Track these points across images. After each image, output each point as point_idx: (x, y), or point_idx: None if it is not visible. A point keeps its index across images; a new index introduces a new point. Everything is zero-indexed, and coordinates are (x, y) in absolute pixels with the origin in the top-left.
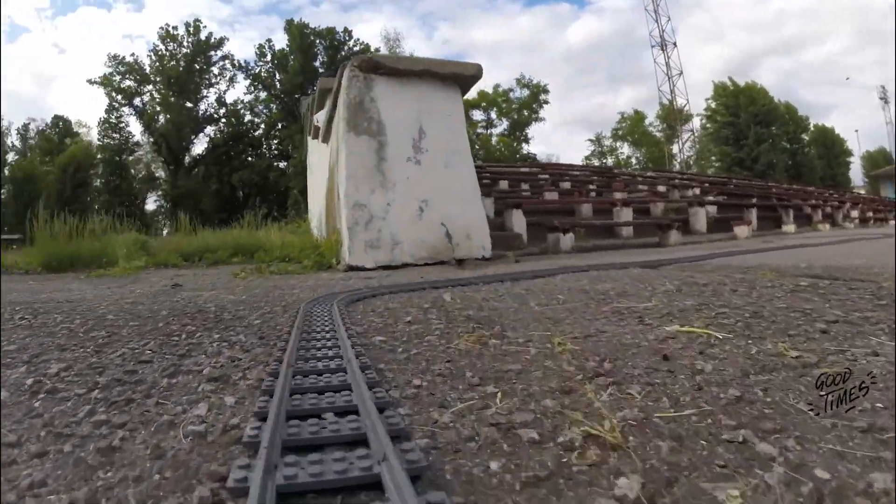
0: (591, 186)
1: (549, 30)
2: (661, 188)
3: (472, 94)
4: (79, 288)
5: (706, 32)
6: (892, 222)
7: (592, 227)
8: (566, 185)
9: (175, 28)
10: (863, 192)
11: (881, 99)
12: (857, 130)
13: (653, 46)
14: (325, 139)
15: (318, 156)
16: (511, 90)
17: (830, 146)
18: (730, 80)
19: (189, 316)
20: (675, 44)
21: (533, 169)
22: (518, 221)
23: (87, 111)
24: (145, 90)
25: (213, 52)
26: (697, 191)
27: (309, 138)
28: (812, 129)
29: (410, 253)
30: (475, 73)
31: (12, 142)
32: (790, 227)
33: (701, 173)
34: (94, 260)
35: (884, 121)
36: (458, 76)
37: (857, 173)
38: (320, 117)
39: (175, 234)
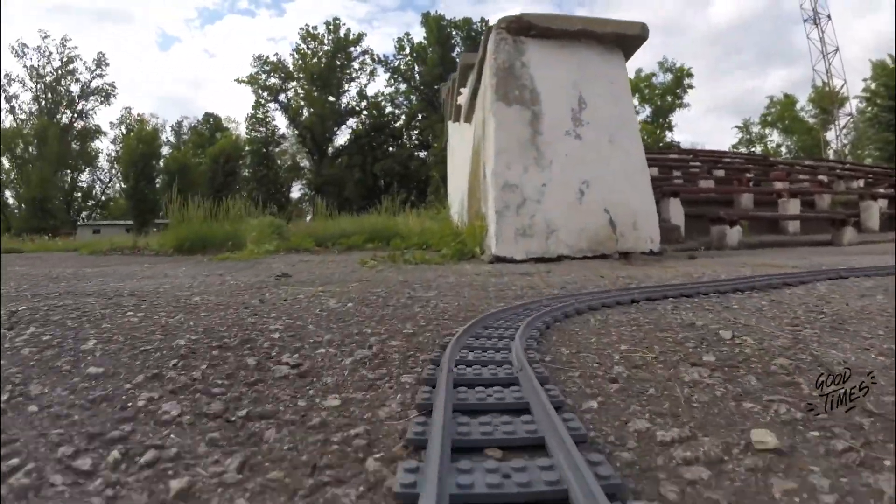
0: (748, 175)
1: (690, 9)
2: (822, 178)
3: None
4: (177, 274)
5: (859, 3)
6: None
7: (754, 221)
8: (719, 173)
9: (315, 28)
10: None
11: None
12: None
13: (805, 20)
14: (468, 118)
15: (458, 138)
16: (654, 75)
17: None
18: (890, 56)
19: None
20: (829, 16)
21: (683, 156)
22: (676, 212)
23: (236, 109)
24: (289, 86)
25: (352, 48)
26: (861, 182)
27: (449, 123)
28: None
29: (568, 243)
30: (640, 34)
31: (167, 137)
32: None
33: (860, 163)
34: (224, 243)
35: None
36: (621, 37)
37: None
38: (462, 97)
39: (315, 220)
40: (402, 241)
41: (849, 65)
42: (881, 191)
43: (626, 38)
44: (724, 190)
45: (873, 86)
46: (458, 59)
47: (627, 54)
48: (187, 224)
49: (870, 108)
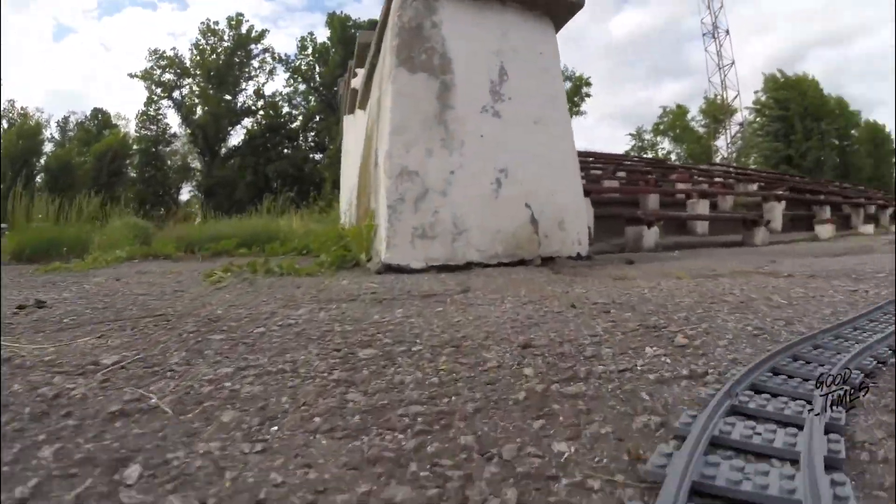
0: (652, 177)
1: (592, 23)
2: (720, 181)
3: None
4: None
5: (753, 24)
6: None
7: (664, 222)
8: (622, 175)
9: (216, 23)
10: None
11: None
12: None
13: (704, 34)
14: (363, 103)
15: (353, 133)
16: None
17: (880, 143)
18: (779, 72)
19: None
20: (727, 31)
21: (584, 158)
22: (587, 212)
23: (128, 105)
24: (185, 83)
25: (253, 46)
26: (754, 186)
27: (345, 118)
28: (862, 125)
29: (479, 246)
30: (575, 1)
31: (52, 134)
32: (867, 228)
33: (748, 168)
34: (75, 248)
35: None
36: (552, 4)
37: None
38: (357, 78)
39: (203, 224)
40: (280, 245)
41: (742, 78)
42: (784, 193)
43: (558, 6)
44: (629, 190)
45: (764, 98)
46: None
47: (558, 24)
48: (32, 227)
49: (759, 119)
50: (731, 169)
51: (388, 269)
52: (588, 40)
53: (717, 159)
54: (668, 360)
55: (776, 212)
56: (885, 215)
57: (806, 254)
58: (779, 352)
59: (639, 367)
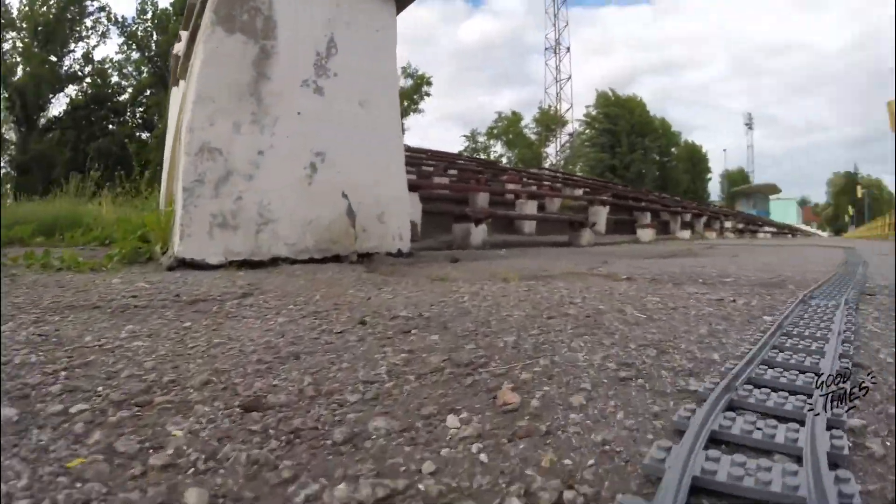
0: (483, 176)
1: (443, 25)
2: (547, 185)
3: None
4: None
5: (594, 45)
6: (759, 235)
7: (492, 221)
8: (453, 173)
9: None
10: (721, 206)
11: (746, 125)
12: (725, 150)
13: (546, 49)
14: (184, 72)
15: (175, 107)
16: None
17: (696, 162)
18: (611, 90)
19: None
20: (568, 48)
21: (418, 154)
22: (414, 208)
23: None
24: (8, 37)
25: (89, 2)
26: (580, 191)
27: (173, 91)
28: (682, 144)
29: (288, 240)
30: None
31: None
32: (684, 234)
33: (575, 174)
34: None
35: (745, 144)
36: None
37: (714, 188)
38: (180, 42)
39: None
40: (83, 234)
41: (577, 93)
42: (608, 198)
43: None
44: (460, 188)
45: (594, 112)
46: None
47: (401, 5)
48: None
49: (588, 131)
50: (559, 174)
51: (182, 264)
52: (437, 42)
53: (546, 165)
54: (484, 455)
55: (601, 215)
56: (699, 223)
57: (634, 255)
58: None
59: (419, 485)
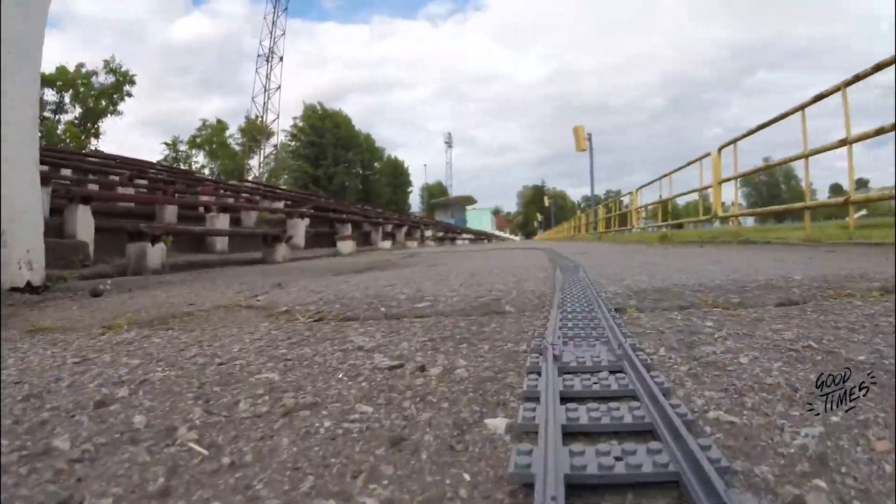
0: (174, 187)
1: (156, 19)
2: (245, 197)
3: (50, 68)
4: None
5: (309, 58)
6: (458, 242)
7: (180, 238)
8: (143, 183)
9: None
10: (422, 216)
11: (446, 143)
12: (425, 165)
13: (259, 56)
14: None
15: None
16: (94, 73)
17: (398, 175)
18: (319, 104)
19: None
20: (281, 58)
21: (106, 161)
22: (85, 224)
23: None
24: None
25: None
26: (281, 204)
27: None
28: (385, 159)
29: None
30: None
31: None
32: (385, 244)
33: (277, 186)
34: None
35: (444, 161)
36: None
37: (415, 200)
38: None
39: None
40: None
41: (287, 104)
42: (309, 210)
43: None
44: (147, 199)
45: (301, 124)
46: None
47: None
48: None
49: (293, 143)
50: (260, 186)
51: None
52: (147, 37)
53: (250, 177)
54: None
55: (299, 228)
56: (401, 233)
57: (323, 272)
58: None
59: None
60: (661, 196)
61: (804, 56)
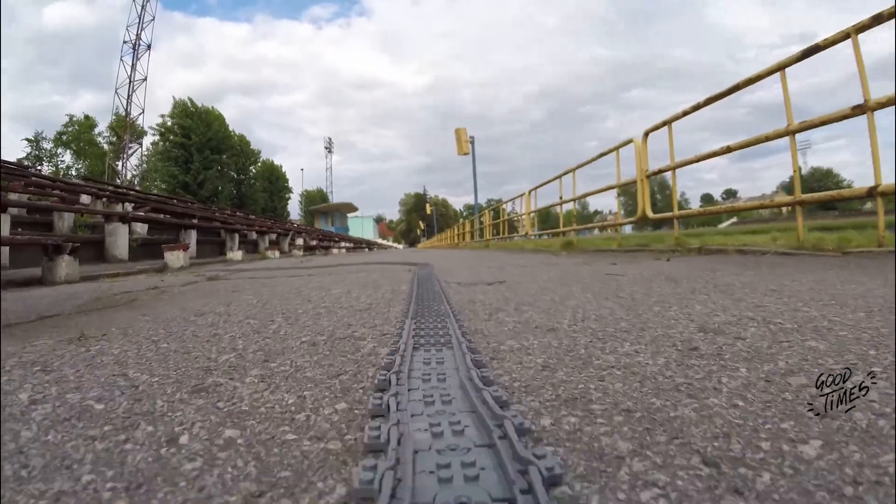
0: None
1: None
2: (86, 199)
3: None
4: None
5: (186, 57)
6: (335, 251)
7: None
8: None
9: None
10: (302, 223)
11: (326, 148)
12: (302, 169)
13: (125, 42)
14: None
15: None
16: None
17: (275, 181)
18: (190, 100)
19: None
20: (149, 46)
21: None
22: None
23: None
24: None
25: None
26: (130, 206)
27: None
28: (261, 163)
29: None
30: None
31: None
32: (237, 255)
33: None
34: None
35: (324, 166)
36: None
37: (294, 207)
38: None
39: None
40: None
41: (159, 106)
42: (137, 213)
43: None
44: None
45: (170, 122)
46: None
47: None
48: None
49: (162, 142)
50: (109, 185)
51: None
52: (16, 22)
53: (118, 180)
54: None
55: (120, 235)
56: (264, 241)
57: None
58: None
59: None
60: (561, 197)
61: (678, 76)
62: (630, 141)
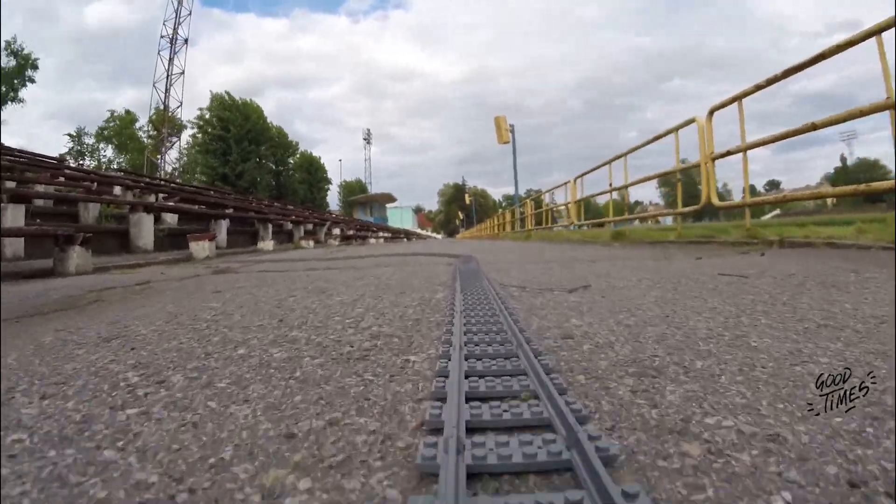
0: None
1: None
2: (118, 190)
3: None
4: None
5: (227, 53)
6: (372, 241)
7: None
8: None
9: None
10: (340, 214)
11: (365, 139)
12: (340, 160)
13: (162, 37)
14: None
15: None
16: None
17: (314, 172)
18: (227, 93)
19: None
20: (186, 40)
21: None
22: None
23: None
24: None
25: None
26: (160, 197)
27: None
28: (299, 155)
29: None
30: None
31: None
32: (268, 245)
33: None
34: None
35: (363, 157)
36: None
37: (333, 198)
38: None
39: None
40: None
41: (198, 100)
42: (163, 202)
43: None
44: None
45: (207, 115)
46: None
47: None
48: None
49: (201, 136)
50: (143, 179)
51: None
52: (59, 21)
53: (159, 174)
54: None
55: (145, 225)
56: (299, 230)
57: None
58: None
59: None
60: (611, 184)
61: (719, 66)
62: (692, 120)
